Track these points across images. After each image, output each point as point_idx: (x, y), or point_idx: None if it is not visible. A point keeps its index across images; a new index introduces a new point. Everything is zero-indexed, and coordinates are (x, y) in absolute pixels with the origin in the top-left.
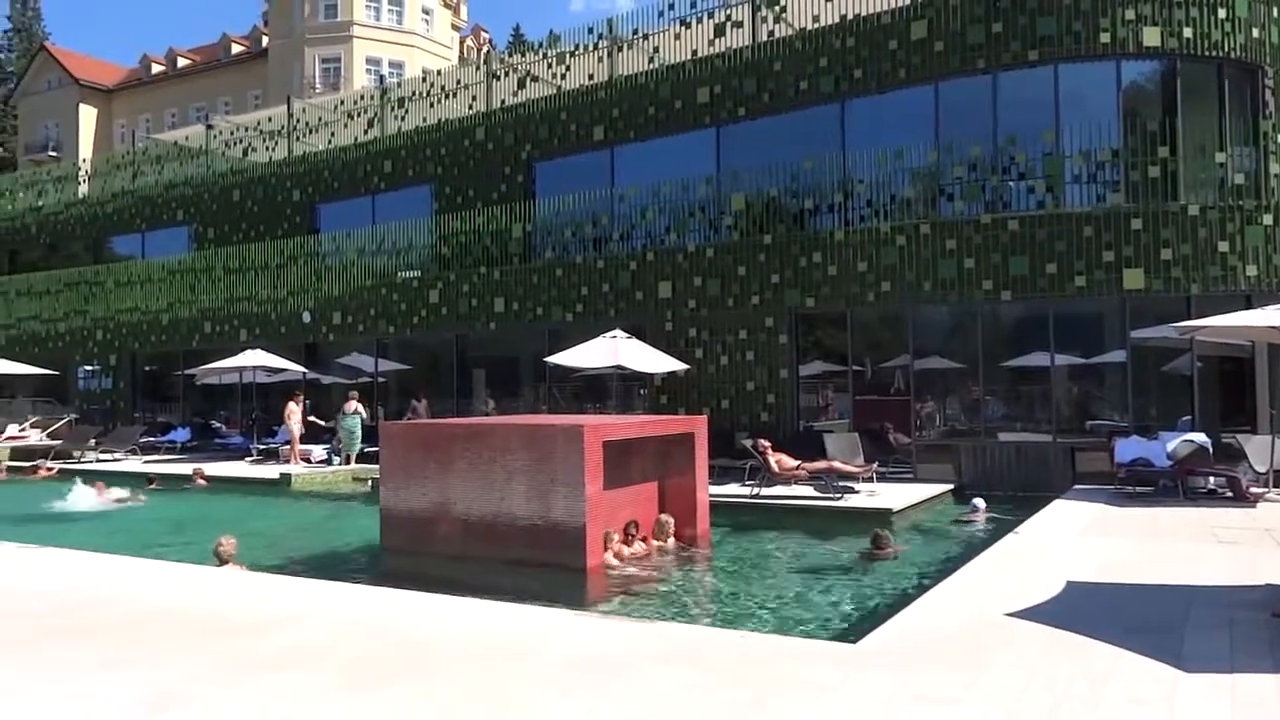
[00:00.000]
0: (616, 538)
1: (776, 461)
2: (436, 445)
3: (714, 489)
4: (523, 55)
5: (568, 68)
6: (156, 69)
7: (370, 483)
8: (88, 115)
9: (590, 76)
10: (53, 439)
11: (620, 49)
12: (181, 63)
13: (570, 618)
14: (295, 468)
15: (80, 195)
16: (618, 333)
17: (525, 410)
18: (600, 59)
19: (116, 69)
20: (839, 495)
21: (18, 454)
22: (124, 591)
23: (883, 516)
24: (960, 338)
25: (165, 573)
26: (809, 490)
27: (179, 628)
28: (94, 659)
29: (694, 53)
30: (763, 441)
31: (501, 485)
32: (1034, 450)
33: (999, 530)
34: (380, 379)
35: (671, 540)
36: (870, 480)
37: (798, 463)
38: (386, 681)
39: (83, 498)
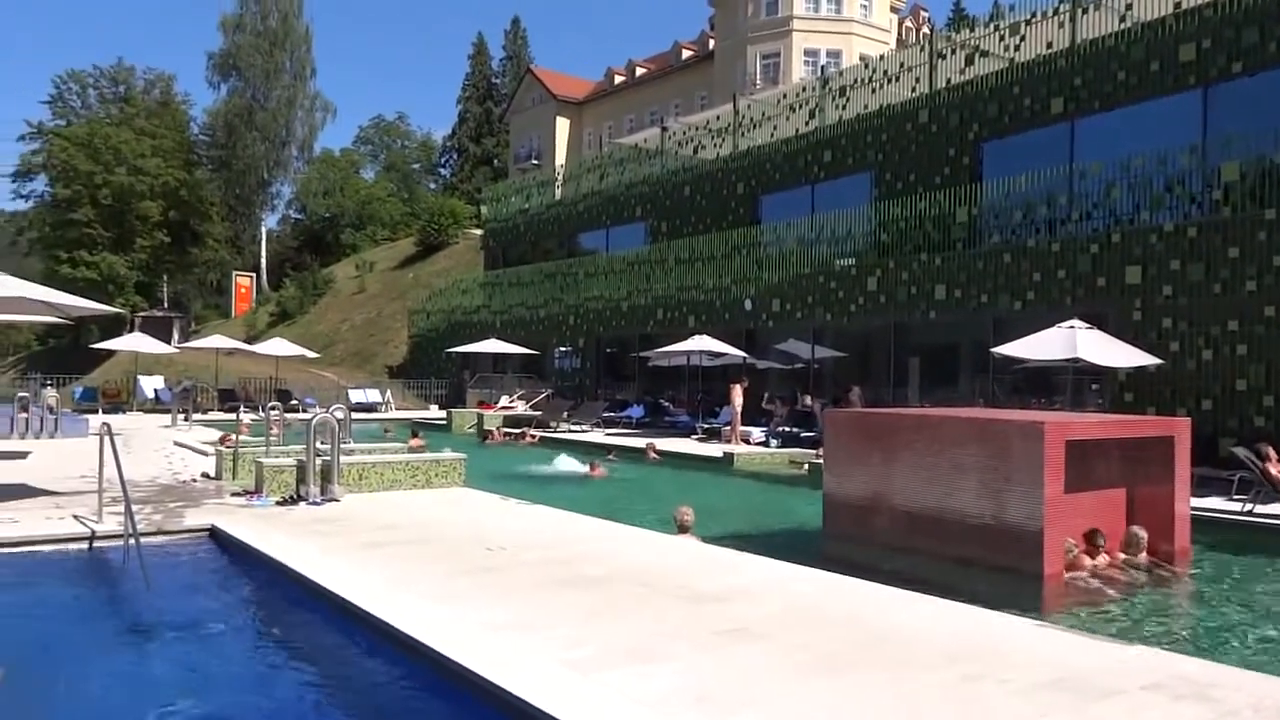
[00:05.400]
0: (1078, 547)
1: None
2: (881, 435)
3: (1193, 501)
4: (970, 30)
5: (1022, 38)
6: (618, 80)
7: (806, 466)
8: (562, 126)
9: (1048, 45)
10: (534, 410)
11: (1084, 11)
12: (639, 72)
13: (1034, 628)
14: (737, 447)
15: (556, 197)
16: (1075, 322)
17: (961, 403)
18: (1060, 24)
19: (585, 83)
20: None
21: (508, 422)
22: (603, 549)
23: None
24: None
25: (634, 536)
26: None
27: (650, 589)
28: (585, 608)
29: (1176, 5)
30: (1269, 448)
31: (949, 480)
32: None
33: None
34: (815, 366)
35: (1144, 555)
36: None
37: None
38: (847, 668)
39: (561, 464)
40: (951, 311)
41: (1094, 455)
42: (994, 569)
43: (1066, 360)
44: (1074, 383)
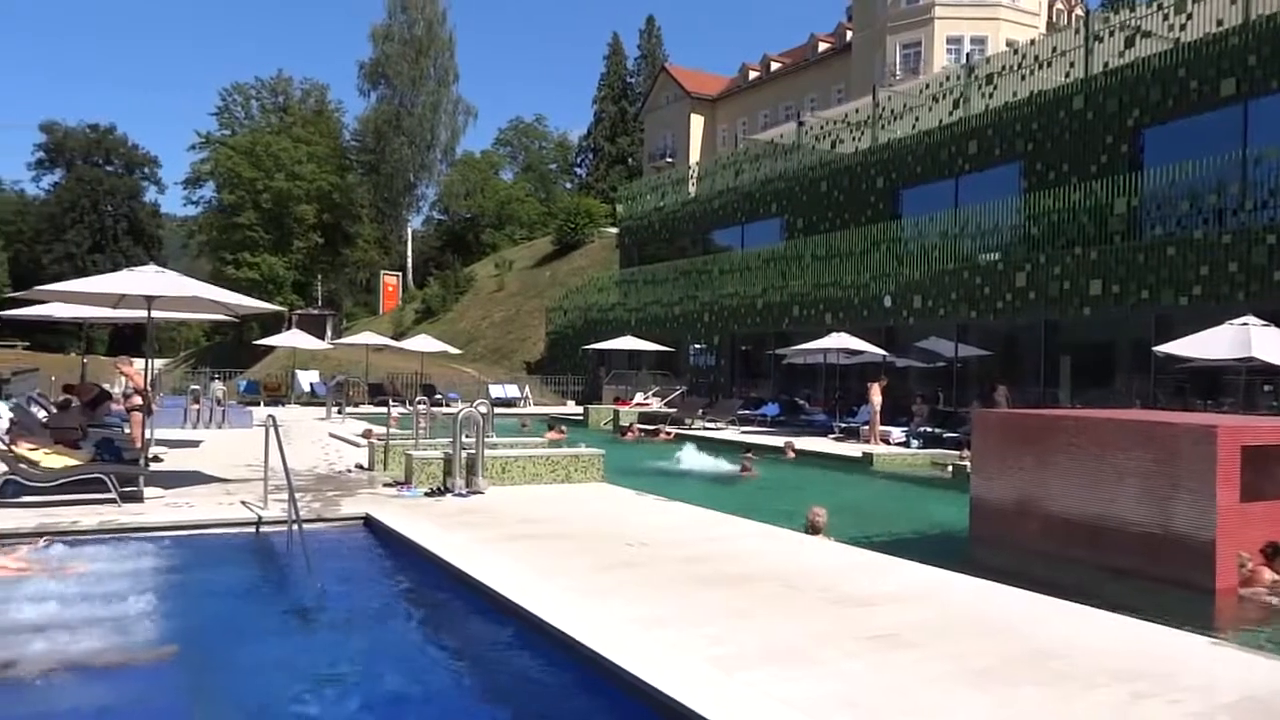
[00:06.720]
0: (1252, 560)
1: None
2: (1035, 437)
3: None
4: (1130, 10)
5: (1189, 16)
6: (753, 75)
7: (950, 468)
8: (696, 123)
9: (1218, 23)
10: (669, 407)
11: None
12: (774, 67)
13: (1207, 646)
14: (876, 447)
15: (691, 195)
16: (1249, 319)
17: (1116, 404)
18: (1232, 0)
19: (719, 79)
20: None
21: (643, 418)
22: (742, 547)
23: None
24: None
25: (774, 535)
26: None
27: (793, 590)
28: (728, 607)
29: None
30: None
31: (1109, 486)
32: None
33: None
34: (958, 364)
35: None
36: None
37: None
38: (1006, 682)
39: (692, 459)
40: (1108, 308)
41: (1272, 461)
42: (1158, 581)
43: (1238, 360)
44: (1246, 384)
